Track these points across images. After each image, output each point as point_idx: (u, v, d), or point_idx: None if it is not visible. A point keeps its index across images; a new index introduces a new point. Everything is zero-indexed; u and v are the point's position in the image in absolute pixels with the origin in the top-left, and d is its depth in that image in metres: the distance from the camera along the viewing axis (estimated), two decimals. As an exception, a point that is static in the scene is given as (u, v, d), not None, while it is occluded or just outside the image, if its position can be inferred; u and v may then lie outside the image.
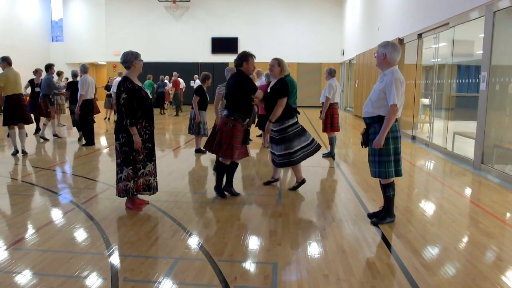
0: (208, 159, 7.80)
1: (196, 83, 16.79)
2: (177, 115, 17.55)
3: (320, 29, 23.49)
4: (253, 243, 3.79)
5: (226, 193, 5.26)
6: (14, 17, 23.42)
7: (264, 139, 8.48)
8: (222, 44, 23.80)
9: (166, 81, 18.74)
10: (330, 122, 7.85)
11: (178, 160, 8.11)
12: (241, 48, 23.58)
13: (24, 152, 8.09)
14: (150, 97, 4.76)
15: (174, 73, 18.43)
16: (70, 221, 4.36)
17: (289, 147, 5.27)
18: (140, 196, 4.82)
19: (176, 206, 4.87)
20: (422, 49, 10.84)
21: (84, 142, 9.47)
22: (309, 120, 16.01)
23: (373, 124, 4.11)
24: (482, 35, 7.16)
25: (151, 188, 4.66)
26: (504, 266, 3.42)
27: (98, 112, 10.09)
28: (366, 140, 4.25)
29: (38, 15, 25.71)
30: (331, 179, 6.61)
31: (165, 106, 19.11)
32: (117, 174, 4.55)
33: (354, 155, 8.78)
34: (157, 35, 23.96)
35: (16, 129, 8.17)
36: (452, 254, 3.64)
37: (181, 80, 18.38)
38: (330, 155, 8.05)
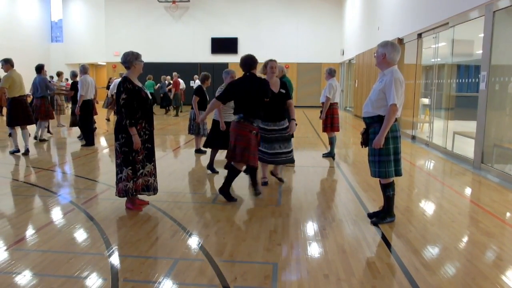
0: (208, 159, 7.79)
1: (196, 83, 16.78)
2: (177, 115, 17.55)
3: (320, 29, 23.49)
4: (253, 243, 3.79)
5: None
6: (14, 18, 23.44)
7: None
8: (222, 45, 23.81)
9: (166, 81, 18.78)
10: (330, 122, 7.85)
11: (178, 161, 8.11)
12: (241, 48, 23.62)
13: (28, 151, 8.15)
14: (150, 97, 4.75)
15: (174, 73, 18.43)
16: (70, 221, 4.36)
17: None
18: (140, 196, 4.82)
19: (176, 207, 4.87)
20: (422, 49, 10.84)
21: (84, 142, 9.46)
22: (309, 120, 16.02)
23: (372, 124, 4.11)
24: (482, 35, 7.16)
25: (150, 189, 4.66)
26: (504, 266, 3.42)
27: (96, 114, 10.06)
28: (366, 140, 4.25)
29: (37, 15, 25.73)
30: (331, 179, 6.61)
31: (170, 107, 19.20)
32: (117, 174, 4.55)
33: (354, 155, 8.78)
34: (156, 36, 23.97)
35: (18, 129, 8.22)
36: (452, 253, 3.64)
37: (181, 81, 18.39)
38: (330, 155, 8.05)
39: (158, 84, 18.98)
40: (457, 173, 7.08)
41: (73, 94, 10.32)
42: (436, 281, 3.08)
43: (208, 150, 8.52)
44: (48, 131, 11.06)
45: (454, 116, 9.44)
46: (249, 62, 4.94)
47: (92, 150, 8.86)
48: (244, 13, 23.73)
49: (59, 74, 13.24)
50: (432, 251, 3.68)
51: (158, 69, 20.69)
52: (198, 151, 8.35)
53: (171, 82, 18.60)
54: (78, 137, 10.28)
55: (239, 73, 5.23)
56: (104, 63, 25.00)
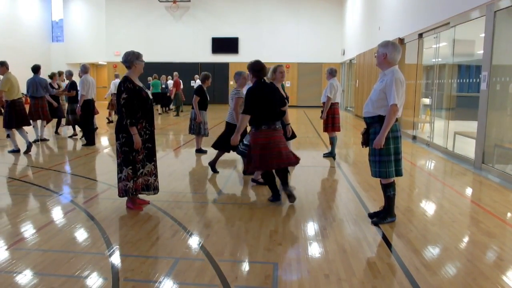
0: (209, 159, 7.79)
1: (196, 83, 16.81)
2: (177, 115, 17.56)
3: (320, 29, 23.48)
4: (254, 243, 3.79)
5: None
6: (14, 18, 23.45)
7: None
8: (222, 44, 23.81)
9: (170, 81, 18.83)
10: (331, 122, 7.85)
11: (179, 160, 8.11)
12: (241, 48, 23.64)
13: (30, 145, 8.26)
14: (151, 97, 4.75)
15: (175, 73, 18.44)
16: (71, 221, 4.36)
17: None
18: (141, 196, 4.82)
19: (177, 206, 4.87)
20: (423, 48, 10.83)
21: (84, 142, 9.47)
22: (310, 120, 16.02)
23: (373, 124, 4.11)
24: (483, 35, 7.16)
25: (150, 188, 4.66)
26: (505, 266, 3.42)
27: (97, 113, 10.08)
28: (367, 140, 4.25)
29: (38, 15, 25.74)
30: (332, 179, 6.60)
31: (170, 106, 19.23)
32: (118, 174, 4.55)
33: (355, 155, 8.78)
34: (157, 35, 23.97)
35: (14, 130, 8.30)
36: (453, 254, 3.64)
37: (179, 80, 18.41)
38: (331, 155, 8.05)
39: (162, 85, 19.01)
40: (458, 173, 7.07)
41: (75, 94, 10.31)
42: (437, 281, 3.08)
43: (210, 151, 8.54)
44: (56, 132, 11.08)
45: (455, 116, 9.43)
46: (263, 67, 4.89)
47: (92, 150, 8.86)
48: (245, 13, 23.73)
49: (60, 73, 13.23)
50: (432, 251, 3.67)
51: (159, 69, 20.69)
52: (199, 151, 8.35)
53: (168, 82, 18.66)
54: (70, 136, 10.32)
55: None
56: (105, 63, 25.01)
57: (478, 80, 7.62)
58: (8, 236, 3.90)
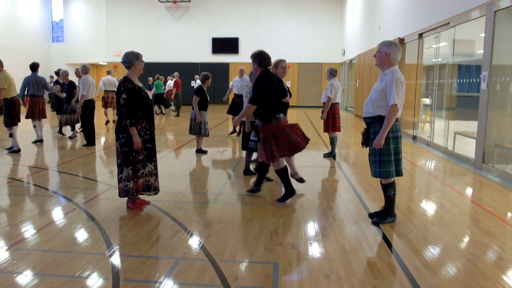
0: (209, 159, 7.80)
1: (196, 83, 16.79)
2: (177, 115, 17.56)
3: (320, 29, 23.48)
4: (254, 243, 3.79)
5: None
6: (15, 18, 23.46)
7: None
8: (223, 44, 23.82)
9: (169, 82, 18.83)
10: (332, 122, 7.84)
11: (179, 161, 8.11)
12: (241, 49, 23.64)
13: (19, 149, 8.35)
14: (151, 97, 4.75)
15: (175, 73, 18.44)
16: (71, 221, 4.36)
17: None
18: (141, 196, 4.82)
19: (177, 206, 4.87)
20: (423, 48, 10.83)
21: (85, 142, 9.47)
22: (310, 120, 16.02)
23: (373, 124, 4.11)
24: (483, 35, 7.16)
25: (151, 189, 4.66)
26: (505, 266, 3.42)
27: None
28: (367, 140, 4.25)
29: (38, 15, 25.75)
30: (332, 179, 6.60)
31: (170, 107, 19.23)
32: (118, 174, 4.55)
33: (355, 155, 8.78)
34: (157, 36, 23.98)
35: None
36: (453, 253, 3.64)
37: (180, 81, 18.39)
38: (331, 155, 8.05)
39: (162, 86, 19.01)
40: (458, 173, 7.07)
41: (65, 95, 10.34)
42: (437, 281, 3.08)
43: (210, 151, 8.55)
44: (60, 132, 11.06)
45: (455, 116, 9.43)
46: (268, 56, 4.82)
47: (92, 150, 8.86)
48: (245, 13, 23.74)
49: (58, 73, 13.24)
50: (433, 251, 3.67)
51: (159, 69, 20.68)
52: (199, 151, 8.35)
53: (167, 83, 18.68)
54: (70, 136, 10.31)
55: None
56: (105, 63, 25.01)
57: (478, 80, 7.62)
58: (9, 237, 3.90)
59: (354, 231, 4.11)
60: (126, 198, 4.69)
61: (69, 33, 26.26)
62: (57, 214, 4.64)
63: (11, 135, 8.32)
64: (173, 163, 7.78)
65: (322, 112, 7.86)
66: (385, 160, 4.07)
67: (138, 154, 4.51)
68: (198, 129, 8.12)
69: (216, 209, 4.85)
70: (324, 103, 7.83)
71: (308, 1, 23.38)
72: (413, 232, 4.08)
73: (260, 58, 4.79)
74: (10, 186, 5.88)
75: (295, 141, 4.78)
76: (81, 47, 25.46)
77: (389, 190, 4.22)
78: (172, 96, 18.13)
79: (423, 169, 7.74)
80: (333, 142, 8.03)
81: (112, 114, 14.16)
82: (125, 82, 4.41)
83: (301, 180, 5.70)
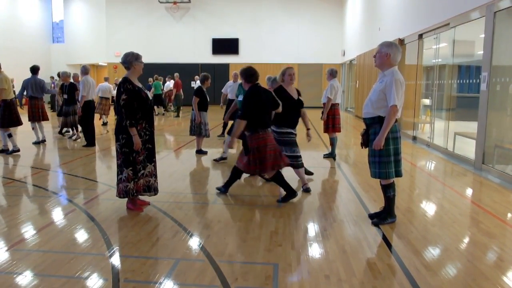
0: (209, 160, 7.80)
1: (197, 84, 16.79)
2: (177, 116, 17.57)
3: (320, 30, 23.48)
4: (254, 243, 3.79)
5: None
6: (15, 19, 23.46)
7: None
8: (223, 45, 23.82)
9: (168, 82, 18.84)
10: (332, 123, 7.84)
11: (179, 161, 8.11)
12: (241, 49, 23.64)
13: (12, 150, 8.32)
14: (150, 98, 4.75)
15: (176, 74, 18.45)
16: (71, 222, 4.36)
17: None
18: (141, 197, 4.82)
19: (177, 207, 4.87)
20: (423, 49, 10.84)
21: (85, 143, 9.47)
22: (310, 120, 16.01)
23: (373, 124, 4.11)
24: (483, 36, 7.16)
25: (151, 189, 4.66)
26: (505, 267, 3.42)
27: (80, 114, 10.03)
28: (366, 140, 4.25)
29: (38, 16, 25.75)
30: (332, 180, 6.60)
31: (168, 107, 19.24)
32: (118, 175, 4.55)
33: (355, 155, 8.77)
34: (157, 36, 23.98)
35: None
36: (453, 254, 3.64)
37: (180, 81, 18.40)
38: (331, 155, 8.05)
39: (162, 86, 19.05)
40: (458, 174, 7.07)
41: (66, 97, 10.33)
42: (437, 282, 3.08)
43: (210, 151, 8.55)
44: (60, 132, 11.08)
45: (455, 117, 9.43)
46: (254, 72, 5.01)
47: (92, 151, 8.87)
48: (245, 13, 23.74)
49: (59, 74, 13.23)
50: (433, 252, 3.67)
51: (159, 70, 20.70)
52: (199, 152, 8.35)
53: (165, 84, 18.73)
54: (70, 137, 10.31)
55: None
56: (105, 64, 25.02)
57: (478, 81, 7.62)
58: (9, 237, 3.91)
59: (354, 232, 4.11)
60: (126, 199, 4.70)
61: (69, 33, 26.27)
62: (57, 215, 4.64)
63: (10, 135, 8.32)
64: (173, 163, 7.78)
65: (322, 112, 7.86)
66: (384, 161, 4.07)
67: (138, 154, 4.51)
68: (198, 130, 8.12)
69: (216, 210, 4.85)
70: (324, 104, 7.83)
71: (308, 1, 23.39)
72: (413, 233, 4.08)
73: (246, 74, 5.00)
74: (10, 187, 5.88)
75: (274, 159, 4.92)
76: (81, 47, 25.45)
77: (388, 191, 4.22)
78: (173, 97, 18.15)
79: (423, 169, 7.74)
80: (333, 142, 8.03)
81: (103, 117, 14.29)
82: (125, 83, 4.41)
83: (307, 190, 5.59)
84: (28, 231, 4.08)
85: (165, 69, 21.36)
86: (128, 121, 4.35)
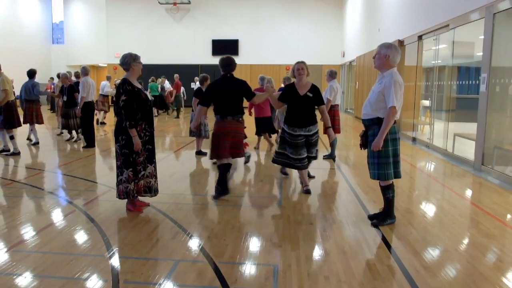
0: (209, 161, 7.80)
1: (196, 85, 16.81)
2: (177, 117, 17.58)
3: (320, 31, 23.50)
4: (254, 244, 3.80)
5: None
6: (15, 20, 23.48)
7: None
8: (223, 46, 23.80)
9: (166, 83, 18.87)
10: (331, 124, 7.82)
11: (179, 162, 8.11)
12: (241, 50, 23.65)
13: (10, 151, 8.34)
14: (150, 99, 4.76)
15: (176, 75, 18.46)
16: (71, 223, 4.36)
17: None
18: (141, 198, 4.82)
19: (177, 208, 4.87)
20: (422, 50, 10.85)
21: (85, 144, 9.47)
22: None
23: (372, 126, 4.11)
24: (482, 37, 7.17)
25: (152, 190, 4.67)
26: (504, 268, 3.42)
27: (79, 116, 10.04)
28: (365, 142, 4.25)
29: (39, 17, 25.77)
30: (332, 181, 6.60)
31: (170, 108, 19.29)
32: (118, 176, 4.56)
33: (355, 156, 8.77)
34: (157, 37, 23.99)
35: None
36: (452, 255, 3.64)
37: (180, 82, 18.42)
38: (330, 157, 8.05)
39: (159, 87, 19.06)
40: (458, 175, 7.07)
41: (60, 96, 10.37)
42: (437, 283, 3.08)
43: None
44: (60, 134, 11.10)
45: (454, 118, 9.44)
46: (229, 63, 5.18)
47: (92, 152, 8.87)
48: (245, 14, 23.75)
49: (59, 76, 13.25)
50: (432, 253, 3.67)
51: (159, 71, 20.71)
52: (199, 153, 8.35)
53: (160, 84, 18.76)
54: (68, 140, 10.29)
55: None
56: (105, 65, 25.03)
57: (477, 82, 7.63)
58: (8, 238, 3.91)
59: (354, 233, 4.11)
60: (125, 200, 4.70)
61: (69, 34, 26.28)
62: (57, 216, 4.64)
63: (12, 137, 8.32)
64: (173, 164, 7.79)
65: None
66: (383, 162, 4.07)
67: (138, 155, 4.51)
68: (198, 131, 8.12)
69: (216, 211, 4.85)
70: (324, 105, 7.82)
71: (308, 3, 23.41)
72: (413, 234, 4.08)
73: (220, 64, 5.23)
74: (9, 188, 5.88)
75: (222, 149, 5.06)
76: (81, 48, 25.47)
77: (388, 192, 4.22)
78: (172, 98, 18.15)
79: (422, 171, 7.74)
80: (332, 144, 8.03)
81: (101, 115, 14.44)
82: (124, 84, 4.41)
83: (307, 192, 5.53)
84: (28, 232, 4.08)
85: (165, 71, 21.35)
86: (128, 122, 4.35)
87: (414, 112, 11.20)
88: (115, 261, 3.41)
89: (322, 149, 9.30)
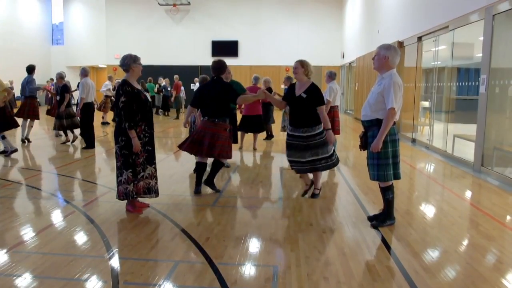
0: (209, 162, 7.79)
1: (196, 86, 16.83)
2: (177, 118, 17.58)
3: (320, 32, 23.51)
4: (254, 246, 3.80)
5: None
6: (15, 20, 23.50)
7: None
8: (222, 47, 23.82)
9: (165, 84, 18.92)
10: (331, 125, 7.82)
11: (179, 163, 8.11)
12: (241, 51, 23.67)
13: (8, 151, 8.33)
14: (150, 100, 4.76)
15: (176, 76, 18.47)
16: (71, 224, 4.36)
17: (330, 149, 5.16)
18: (140, 199, 4.82)
19: (177, 209, 4.87)
20: (422, 52, 10.86)
21: (84, 145, 9.46)
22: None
23: (371, 127, 4.11)
24: (482, 38, 7.18)
25: (151, 191, 4.66)
26: (504, 269, 3.42)
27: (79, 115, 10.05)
28: (365, 143, 4.25)
29: (38, 18, 25.79)
30: (332, 182, 6.60)
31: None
32: (117, 177, 4.55)
33: (355, 158, 8.78)
34: (157, 38, 24.00)
35: None
36: (452, 256, 3.64)
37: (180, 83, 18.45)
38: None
39: (155, 88, 19.11)
40: (457, 176, 7.08)
41: (55, 94, 10.45)
42: (436, 284, 3.08)
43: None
44: (60, 135, 11.08)
45: (454, 119, 9.45)
46: (219, 67, 5.38)
47: (92, 153, 8.86)
48: (245, 16, 23.77)
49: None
50: (432, 254, 3.68)
51: (159, 72, 20.72)
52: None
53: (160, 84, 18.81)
54: (63, 142, 10.26)
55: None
56: (105, 66, 25.04)
57: (477, 83, 7.64)
58: (8, 239, 3.90)
59: (353, 234, 4.12)
60: (125, 201, 4.70)
61: (69, 35, 26.29)
62: (57, 217, 4.64)
63: (3, 137, 8.25)
64: (173, 165, 7.79)
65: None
66: (383, 163, 4.08)
67: (138, 156, 4.51)
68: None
69: (216, 212, 4.85)
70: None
71: (308, 4, 23.42)
72: (412, 235, 4.09)
73: (211, 67, 5.43)
74: (8, 189, 5.87)
75: (192, 144, 5.30)
76: (81, 49, 25.46)
77: (387, 193, 4.22)
78: (172, 99, 18.17)
79: (422, 172, 7.75)
80: (332, 145, 8.02)
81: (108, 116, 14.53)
82: (124, 85, 4.41)
83: (314, 196, 5.37)
84: (27, 233, 4.08)
85: (165, 72, 21.37)
86: (127, 123, 4.35)
87: (413, 113, 11.20)
88: (114, 262, 3.41)
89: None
